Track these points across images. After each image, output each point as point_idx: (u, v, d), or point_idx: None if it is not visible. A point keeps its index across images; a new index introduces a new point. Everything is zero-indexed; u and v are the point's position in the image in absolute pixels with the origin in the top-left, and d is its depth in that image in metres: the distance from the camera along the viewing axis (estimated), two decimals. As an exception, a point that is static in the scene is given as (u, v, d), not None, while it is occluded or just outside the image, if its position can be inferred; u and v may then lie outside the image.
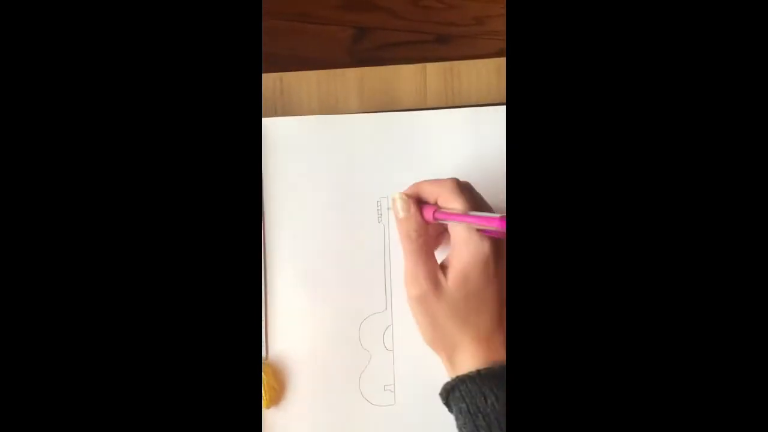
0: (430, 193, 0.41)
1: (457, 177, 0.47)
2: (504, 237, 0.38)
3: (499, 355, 0.40)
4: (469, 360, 0.40)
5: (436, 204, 0.41)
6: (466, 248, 0.39)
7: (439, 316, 0.40)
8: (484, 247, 0.38)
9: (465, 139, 0.47)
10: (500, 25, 1.24)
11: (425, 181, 0.42)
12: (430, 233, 0.42)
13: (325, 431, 0.45)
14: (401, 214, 0.41)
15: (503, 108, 0.47)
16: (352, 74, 0.49)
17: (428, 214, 0.41)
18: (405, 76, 0.49)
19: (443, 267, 0.40)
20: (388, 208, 0.47)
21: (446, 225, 0.41)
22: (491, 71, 0.48)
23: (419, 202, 0.41)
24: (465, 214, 0.38)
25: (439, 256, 0.42)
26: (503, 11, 1.25)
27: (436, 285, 0.40)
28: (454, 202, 0.39)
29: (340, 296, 0.46)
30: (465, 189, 0.40)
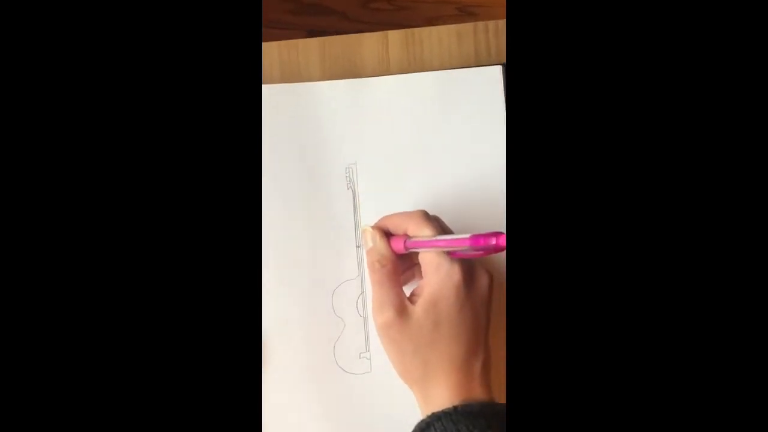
0: (398, 225, 0.41)
1: (422, 140, 0.47)
2: (476, 255, 0.36)
3: (477, 386, 0.38)
4: (444, 393, 0.37)
5: (405, 234, 0.40)
6: (436, 273, 0.38)
7: (407, 345, 0.38)
8: (454, 270, 0.38)
9: (429, 104, 0.47)
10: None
11: (393, 214, 0.42)
12: (399, 265, 0.41)
13: (302, 401, 0.44)
14: (368, 245, 0.41)
15: (466, 71, 0.47)
16: (313, 43, 0.49)
17: (398, 244, 0.40)
18: (367, 43, 0.49)
19: (414, 295, 0.39)
20: (356, 175, 0.46)
21: (416, 259, 0.41)
22: (452, 37, 0.49)
23: (388, 235, 0.41)
24: (435, 240, 0.38)
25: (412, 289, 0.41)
26: (455, 11, 1.27)
27: (401, 312, 0.38)
28: (423, 230, 0.39)
29: (312, 265, 0.45)
30: (433, 218, 0.40)
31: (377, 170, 0.46)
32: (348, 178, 0.46)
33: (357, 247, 0.46)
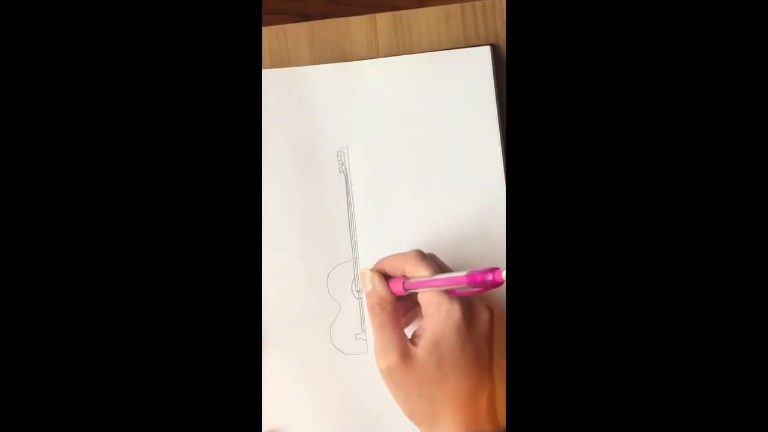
0: (396, 267, 0.41)
1: (413, 121, 0.47)
2: (475, 292, 0.37)
3: (484, 420, 0.38)
4: (452, 431, 0.38)
5: (403, 276, 0.40)
6: (436, 313, 0.38)
7: (411, 387, 0.39)
8: (454, 309, 0.38)
9: (419, 85, 0.47)
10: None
11: (389, 256, 0.42)
12: (399, 307, 0.41)
13: (299, 383, 0.45)
14: (367, 288, 0.41)
15: (455, 51, 0.47)
16: (301, 28, 0.49)
17: (397, 286, 0.40)
18: (355, 27, 0.49)
19: (416, 337, 0.39)
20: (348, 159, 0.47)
21: (416, 299, 0.41)
22: (440, 18, 0.49)
23: (387, 277, 0.41)
24: (433, 279, 0.38)
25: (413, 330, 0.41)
26: (445, -8, 1.26)
27: (404, 355, 0.38)
28: (420, 270, 0.39)
29: (306, 248, 0.46)
30: (429, 257, 0.40)
31: (369, 153, 0.47)
32: (340, 162, 0.46)
33: (350, 229, 0.46)
